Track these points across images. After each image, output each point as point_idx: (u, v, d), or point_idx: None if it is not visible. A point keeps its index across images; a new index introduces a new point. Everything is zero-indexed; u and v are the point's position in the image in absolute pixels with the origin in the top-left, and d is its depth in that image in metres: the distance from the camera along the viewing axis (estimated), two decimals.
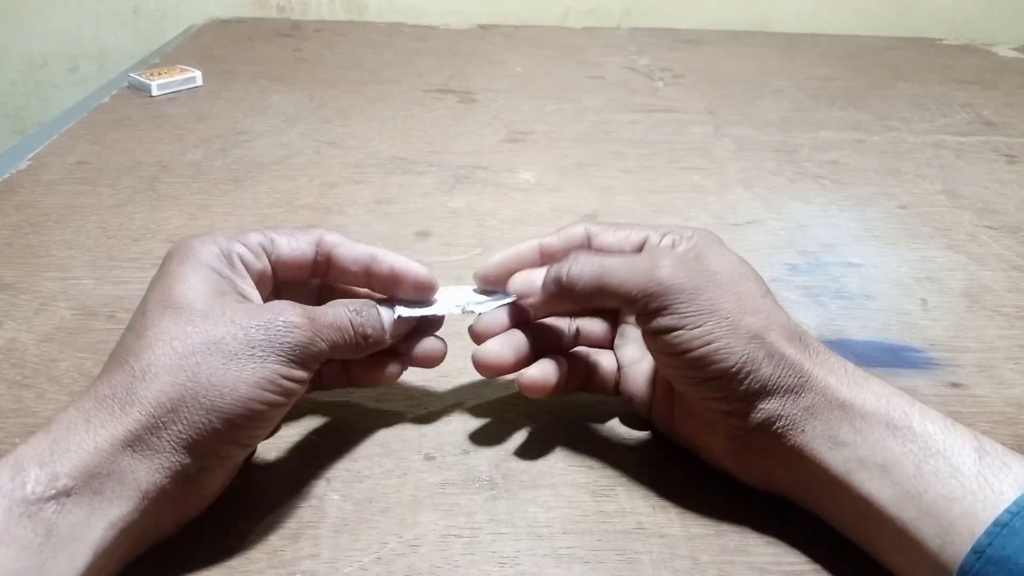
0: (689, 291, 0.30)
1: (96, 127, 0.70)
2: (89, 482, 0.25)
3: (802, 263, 0.53)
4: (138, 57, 0.95)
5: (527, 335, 0.35)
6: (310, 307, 0.31)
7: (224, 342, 0.28)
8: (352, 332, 0.32)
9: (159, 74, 0.79)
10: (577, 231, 0.36)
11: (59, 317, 0.43)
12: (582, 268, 0.32)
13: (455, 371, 0.40)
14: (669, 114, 0.79)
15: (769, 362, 0.30)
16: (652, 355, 0.33)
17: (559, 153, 0.69)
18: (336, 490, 0.33)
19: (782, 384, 0.30)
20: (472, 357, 0.35)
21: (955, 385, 0.41)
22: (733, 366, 0.30)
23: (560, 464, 0.35)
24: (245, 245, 0.32)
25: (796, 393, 0.30)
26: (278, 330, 0.29)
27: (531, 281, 0.34)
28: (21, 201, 0.56)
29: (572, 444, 0.36)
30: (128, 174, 0.61)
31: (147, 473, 0.27)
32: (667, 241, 0.34)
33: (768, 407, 0.30)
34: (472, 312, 0.35)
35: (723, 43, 1.07)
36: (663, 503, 0.33)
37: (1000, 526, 0.25)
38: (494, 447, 0.36)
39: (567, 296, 0.32)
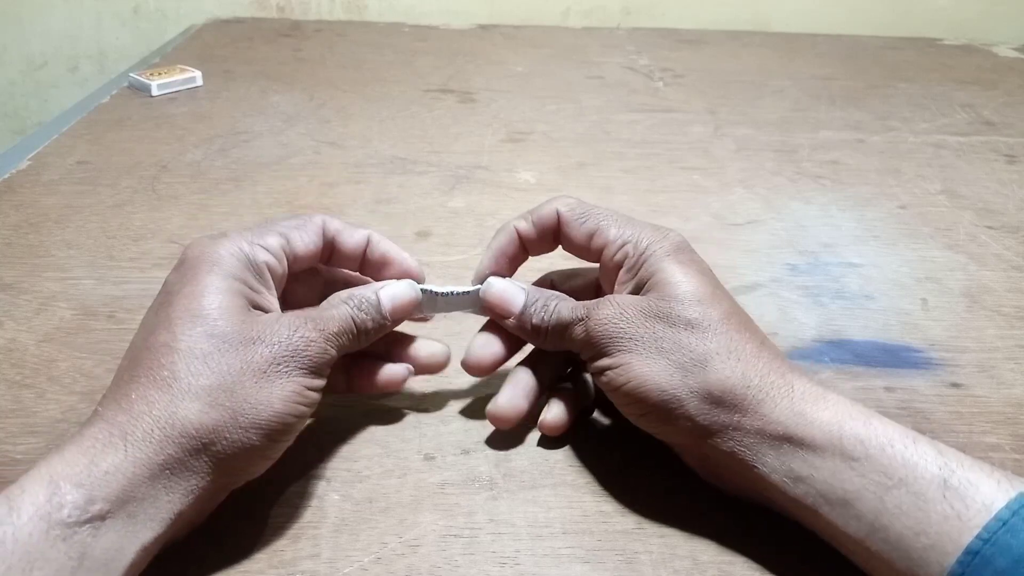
0: (612, 336, 0.31)
1: (96, 127, 0.70)
2: (124, 506, 0.25)
3: (802, 263, 0.53)
4: (138, 57, 0.95)
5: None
6: (316, 315, 0.31)
7: (254, 361, 0.29)
8: (355, 331, 0.32)
9: (159, 74, 0.79)
10: (550, 216, 0.35)
11: (59, 317, 0.43)
12: (545, 317, 0.34)
13: (455, 371, 0.40)
14: (669, 114, 0.79)
15: (694, 398, 0.30)
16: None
17: (559, 153, 0.69)
18: (336, 490, 0.33)
19: (718, 420, 0.30)
20: (462, 362, 0.36)
21: (955, 385, 0.41)
22: (657, 402, 0.30)
23: (560, 464, 0.35)
24: (269, 251, 0.32)
25: (737, 428, 0.29)
26: (298, 346, 0.29)
27: (507, 301, 0.35)
28: (21, 201, 0.56)
29: (572, 444, 0.36)
30: (128, 174, 0.61)
31: (182, 495, 0.27)
32: (620, 256, 0.34)
33: (715, 441, 0.30)
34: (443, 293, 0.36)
35: (723, 43, 1.07)
36: (663, 503, 0.33)
37: (971, 554, 0.24)
38: (494, 447, 0.36)
39: (537, 339, 0.35)
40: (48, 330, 0.42)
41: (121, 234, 0.52)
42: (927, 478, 0.26)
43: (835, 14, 1.17)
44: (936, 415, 0.39)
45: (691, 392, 0.30)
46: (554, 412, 0.35)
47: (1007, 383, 0.42)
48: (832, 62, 0.99)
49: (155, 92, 0.77)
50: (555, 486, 0.34)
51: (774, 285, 0.50)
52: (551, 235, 0.36)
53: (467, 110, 0.78)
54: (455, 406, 0.38)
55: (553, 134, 0.73)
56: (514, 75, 0.90)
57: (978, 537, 0.25)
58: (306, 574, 0.29)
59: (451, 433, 0.37)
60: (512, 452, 0.36)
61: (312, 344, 0.30)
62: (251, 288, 0.31)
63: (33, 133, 0.70)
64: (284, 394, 0.29)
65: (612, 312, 0.32)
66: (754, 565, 0.31)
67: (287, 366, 0.29)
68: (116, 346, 0.41)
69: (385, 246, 0.35)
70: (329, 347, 0.31)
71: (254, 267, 0.31)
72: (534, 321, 0.34)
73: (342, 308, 0.32)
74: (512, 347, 0.36)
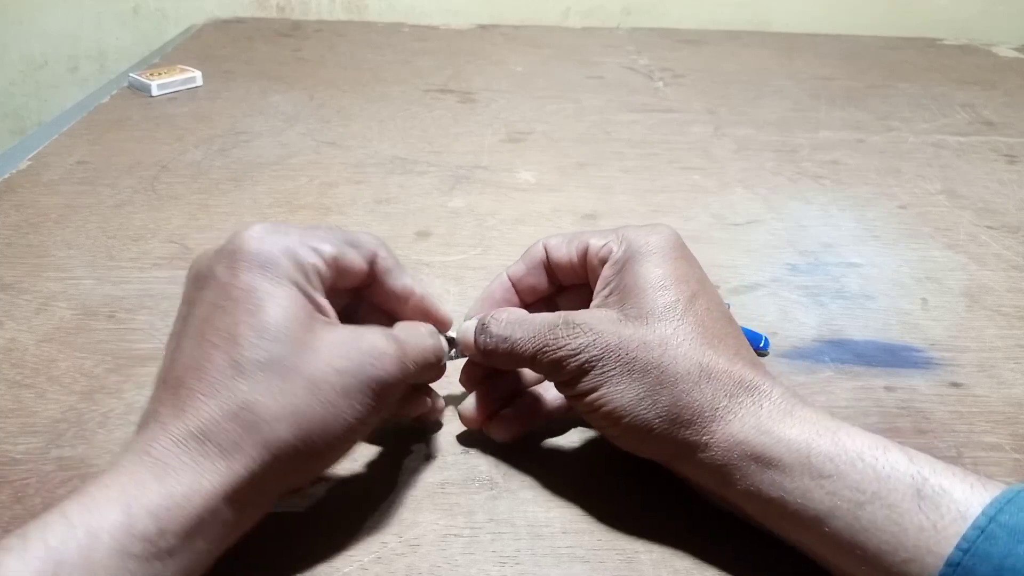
0: (574, 348, 0.30)
1: (96, 127, 0.70)
2: (191, 542, 0.25)
3: (802, 263, 0.53)
4: (138, 57, 0.95)
5: (506, 379, 0.36)
6: (398, 345, 0.30)
7: (320, 389, 0.27)
8: (435, 363, 0.32)
9: (159, 74, 0.79)
10: (537, 252, 0.36)
11: (59, 317, 0.43)
12: (494, 341, 0.33)
13: (455, 371, 0.40)
14: (669, 114, 0.79)
15: (663, 421, 0.29)
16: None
17: (559, 153, 0.69)
18: (336, 490, 0.33)
19: (688, 440, 0.29)
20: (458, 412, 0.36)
21: (955, 385, 0.41)
22: (627, 425, 0.30)
23: (560, 464, 0.35)
24: (320, 255, 0.30)
25: (705, 449, 0.29)
26: (368, 371, 0.28)
27: (466, 337, 0.34)
28: (21, 201, 0.56)
29: (572, 444, 0.36)
30: (128, 174, 0.61)
31: (237, 520, 0.27)
32: (604, 251, 0.33)
33: (685, 461, 0.30)
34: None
35: (723, 43, 1.07)
36: (664, 503, 0.33)
37: (952, 566, 0.24)
38: (494, 447, 0.36)
39: (491, 360, 0.33)
40: (48, 330, 0.42)
41: (121, 234, 0.52)
42: (900, 490, 0.26)
43: (835, 14, 1.17)
44: (936, 415, 0.39)
45: (659, 416, 0.29)
46: (466, 403, 0.35)
47: (1007, 383, 0.42)
48: (832, 62, 0.99)
49: (155, 92, 0.77)
50: (555, 486, 0.34)
51: (774, 285, 0.50)
52: (543, 272, 0.36)
53: (467, 110, 0.78)
54: (455, 406, 0.38)
55: (553, 134, 0.73)
56: (514, 75, 0.90)
57: (957, 548, 0.24)
58: (306, 574, 0.29)
59: (451, 433, 0.37)
60: (512, 452, 0.36)
61: (388, 373, 0.29)
62: (306, 292, 0.29)
63: (33, 133, 0.70)
64: (348, 423, 0.28)
65: (585, 340, 0.30)
66: (754, 565, 0.31)
67: (357, 393, 0.28)
68: (116, 346, 0.41)
69: (429, 302, 0.34)
70: (405, 379, 0.30)
71: (304, 272, 0.29)
72: (482, 347, 0.33)
73: (426, 340, 0.32)
74: (505, 398, 0.36)
